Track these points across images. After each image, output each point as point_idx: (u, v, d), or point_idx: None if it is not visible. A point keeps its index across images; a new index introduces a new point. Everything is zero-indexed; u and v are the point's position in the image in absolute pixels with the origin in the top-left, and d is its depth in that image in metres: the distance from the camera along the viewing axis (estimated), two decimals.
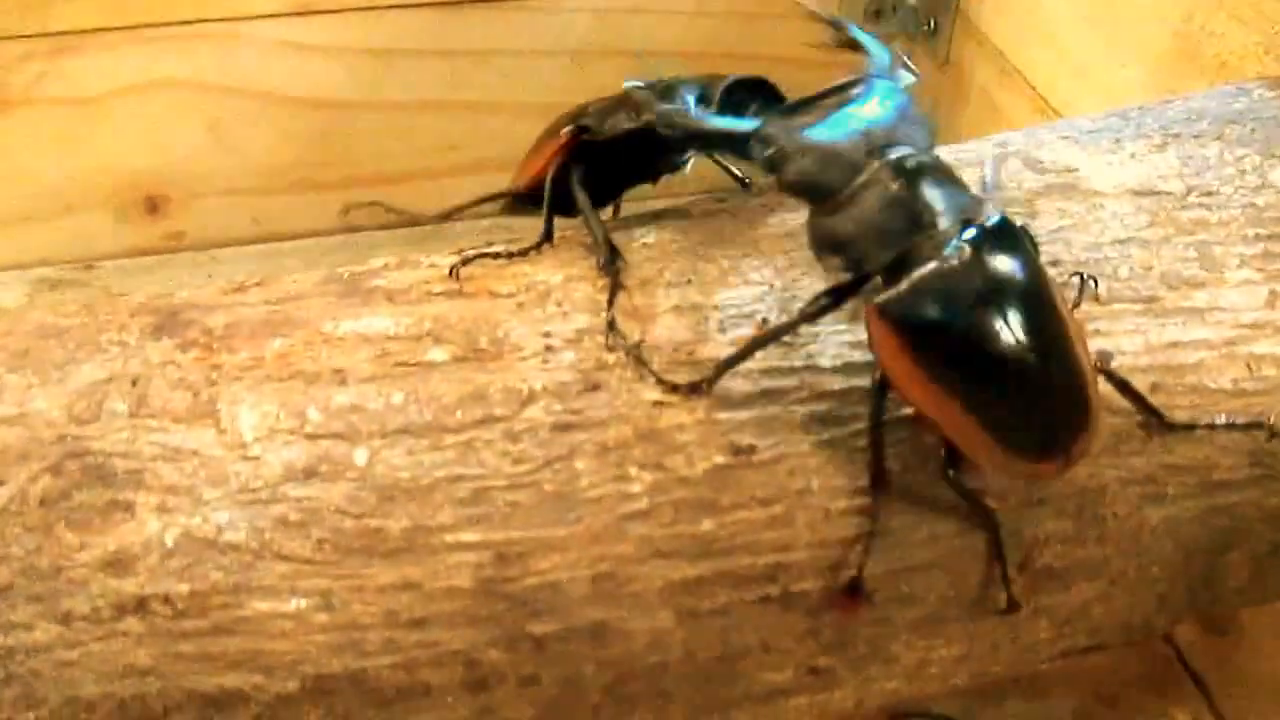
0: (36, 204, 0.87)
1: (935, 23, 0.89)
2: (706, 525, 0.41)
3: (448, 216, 0.60)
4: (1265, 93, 0.55)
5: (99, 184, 0.88)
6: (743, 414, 0.41)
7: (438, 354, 0.43)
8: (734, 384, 0.42)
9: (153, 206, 0.88)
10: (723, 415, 0.41)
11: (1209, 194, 0.47)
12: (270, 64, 0.87)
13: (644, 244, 0.46)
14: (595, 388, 0.42)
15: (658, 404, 0.41)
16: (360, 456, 0.41)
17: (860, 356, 0.42)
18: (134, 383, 0.41)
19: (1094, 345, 0.42)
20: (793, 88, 0.44)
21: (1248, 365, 0.42)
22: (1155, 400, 0.41)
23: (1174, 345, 0.42)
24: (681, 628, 0.41)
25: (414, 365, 0.42)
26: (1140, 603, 0.43)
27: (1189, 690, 0.71)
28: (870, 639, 0.42)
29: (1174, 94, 0.56)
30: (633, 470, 0.41)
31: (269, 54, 0.87)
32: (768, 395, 0.42)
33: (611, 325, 0.42)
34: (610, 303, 0.43)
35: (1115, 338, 0.42)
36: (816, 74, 0.41)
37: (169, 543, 0.39)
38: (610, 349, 0.42)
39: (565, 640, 0.40)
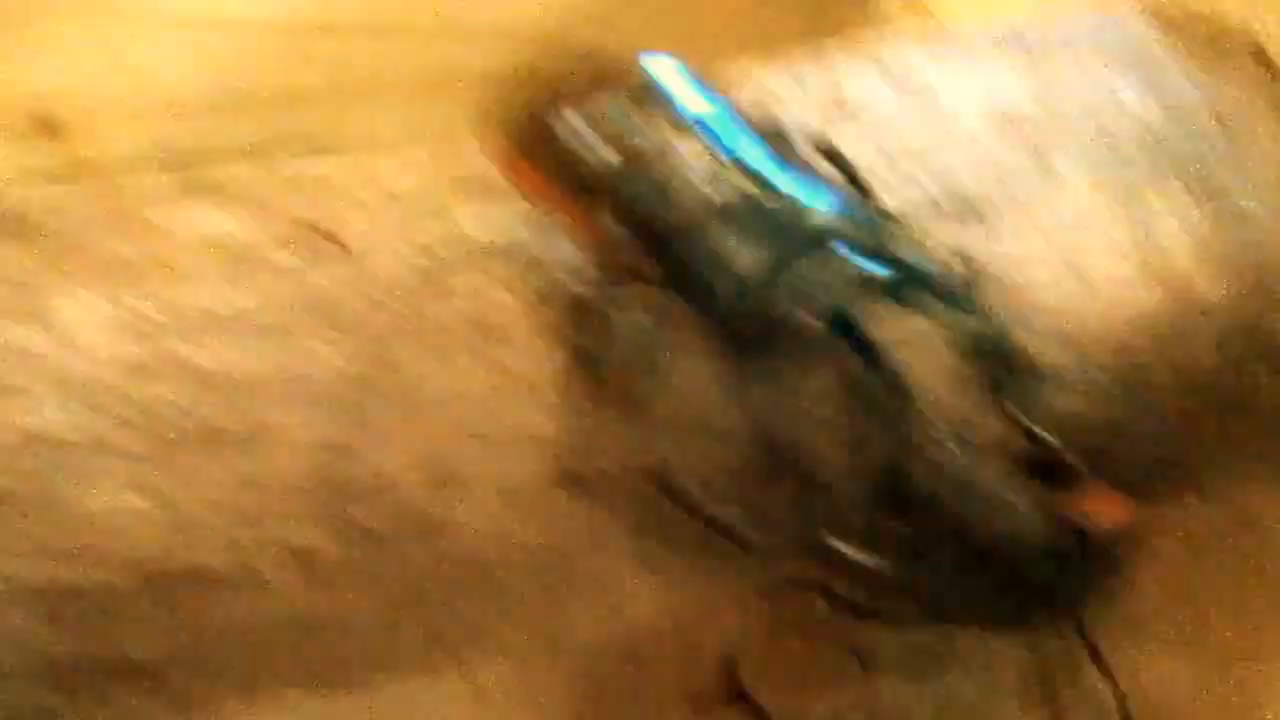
0: None
1: None
2: (549, 429, 0.42)
3: None
4: (1136, 21, 0.56)
5: None
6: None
7: (277, 253, 0.43)
8: None
9: (51, 130, 0.86)
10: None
11: (1062, 113, 0.48)
12: None
13: None
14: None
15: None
16: (196, 353, 0.41)
17: None
18: None
19: None
20: None
21: (1073, 271, 0.43)
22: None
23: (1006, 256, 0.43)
24: (512, 519, 0.42)
25: (251, 262, 0.43)
26: None
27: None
28: None
29: (1052, 14, 0.57)
30: (467, 362, 0.42)
31: None
32: None
33: None
34: None
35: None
36: None
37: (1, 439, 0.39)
38: None
39: (399, 533, 0.41)
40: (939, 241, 0.42)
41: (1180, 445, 0.45)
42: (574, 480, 0.42)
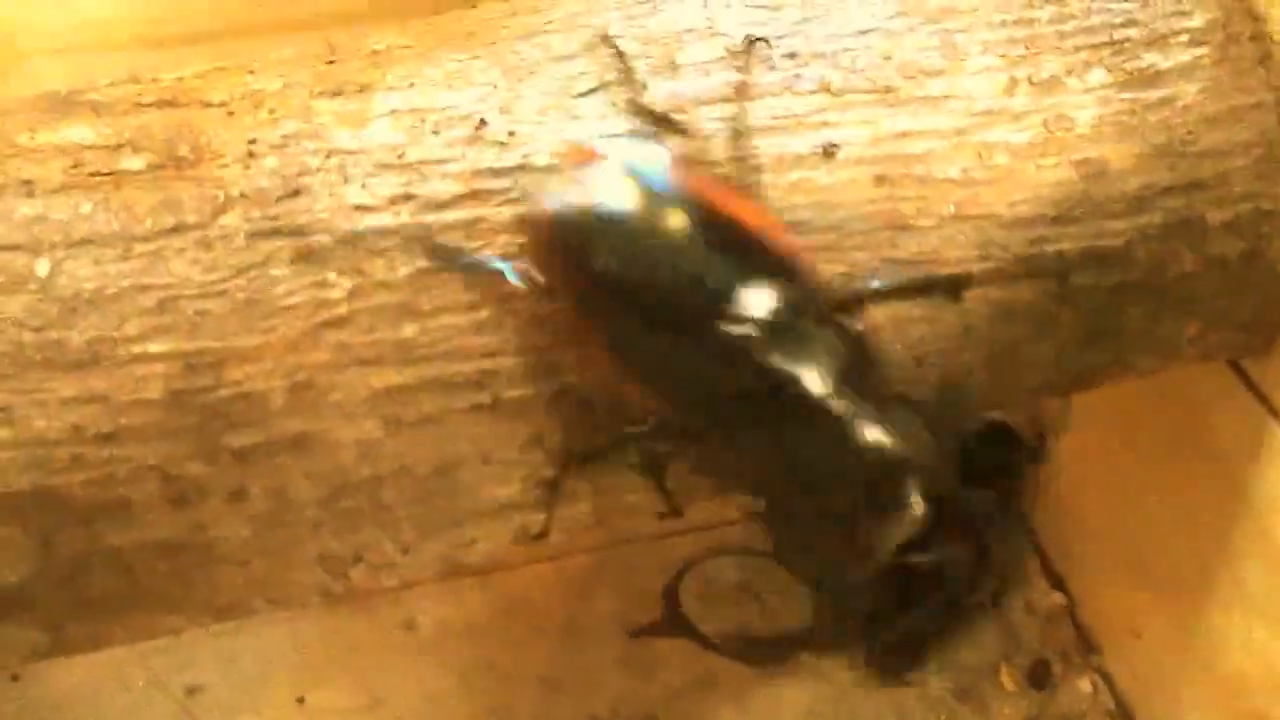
0: None
1: None
2: (409, 331, 0.39)
3: None
4: None
5: None
6: (449, 216, 0.40)
7: (133, 163, 0.40)
8: (442, 185, 0.40)
9: None
10: (429, 218, 0.40)
11: None
12: None
13: (372, 50, 0.44)
14: (296, 193, 0.40)
15: (360, 208, 0.40)
16: (41, 268, 0.38)
17: None
18: None
19: (821, 136, 0.40)
20: None
21: (978, 154, 0.41)
22: (882, 192, 0.40)
23: (904, 135, 0.41)
24: (391, 438, 0.40)
25: (107, 175, 0.40)
26: None
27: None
28: None
29: None
30: (331, 276, 0.39)
31: None
32: (477, 196, 0.40)
33: None
34: None
35: (844, 129, 0.41)
36: None
37: None
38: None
39: (268, 453, 0.39)
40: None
41: (1105, 328, 0.43)
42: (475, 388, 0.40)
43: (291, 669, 0.62)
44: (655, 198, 0.38)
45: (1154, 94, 0.42)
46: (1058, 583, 0.67)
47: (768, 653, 0.64)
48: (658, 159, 0.39)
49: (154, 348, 0.38)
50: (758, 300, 0.37)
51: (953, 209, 0.41)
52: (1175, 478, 0.55)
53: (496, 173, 0.40)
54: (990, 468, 0.46)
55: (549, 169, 0.40)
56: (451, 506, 0.42)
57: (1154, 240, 0.42)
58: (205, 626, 0.43)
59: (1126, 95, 0.42)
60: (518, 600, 0.66)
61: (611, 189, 0.39)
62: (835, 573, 0.39)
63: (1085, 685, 0.63)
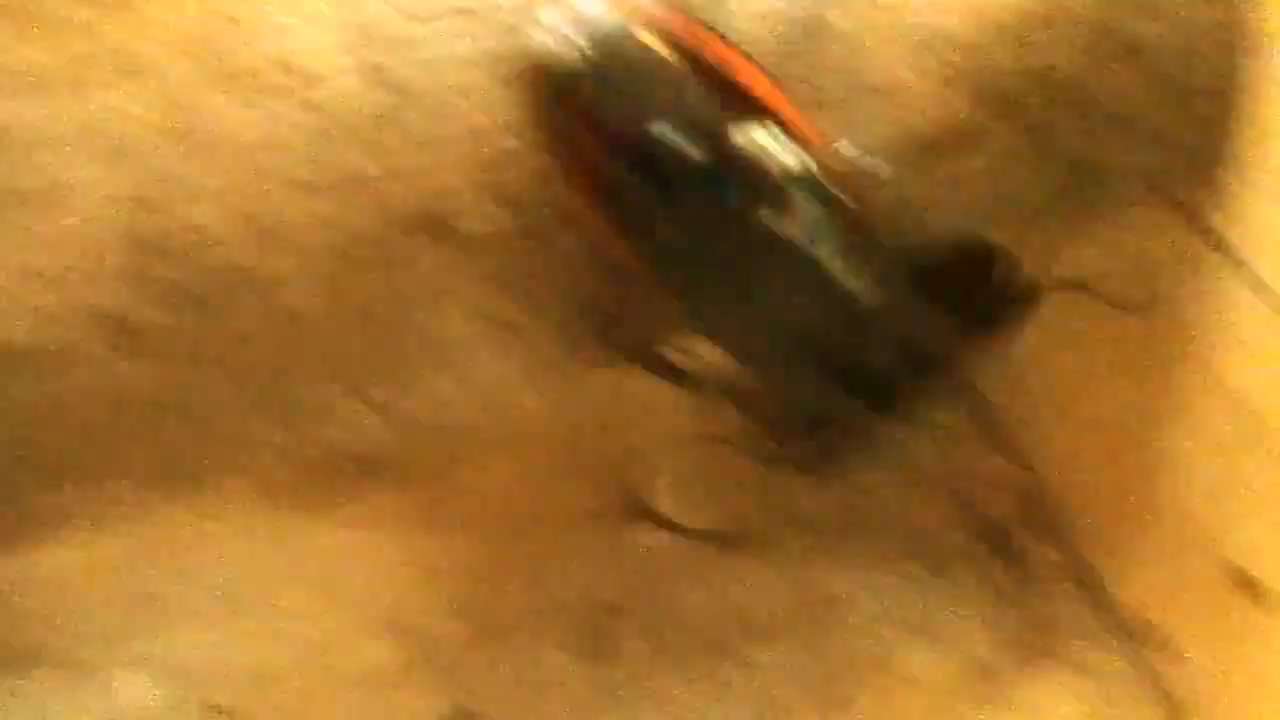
0: None
1: None
2: (361, 164, 0.39)
3: None
4: None
5: None
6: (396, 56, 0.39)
7: (72, 7, 0.40)
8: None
9: None
10: (382, 58, 0.39)
11: None
12: None
13: None
14: None
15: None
16: None
17: None
18: None
19: None
20: None
21: None
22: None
23: None
24: (344, 272, 0.40)
25: (45, 16, 0.39)
26: None
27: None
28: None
29: None
30: (280, 106, 0.39)
31: None
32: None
33: None
34: None
35: None
36: None
37: None
38: None
39: (220, 293, 0.39)
40: None
41: (1084, 158, 0.44)
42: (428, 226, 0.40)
43: (262, 578, 0.61)
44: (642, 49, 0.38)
45: None
46: (1020, 458, 0.68)
47: (732, 534, 0.64)
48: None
49: (101, 189, 0.38)
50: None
51: None
52: (1123, 328, 0.56)
53: None
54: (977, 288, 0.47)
55: None
56: (404, 343, 0.42)
57: (1104, 59, 0.43)
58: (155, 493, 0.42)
59: None
60: (486, 496, 0.65)
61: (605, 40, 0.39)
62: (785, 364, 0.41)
63: (1048, 551, 0.64)
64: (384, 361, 0.42)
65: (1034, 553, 0.64)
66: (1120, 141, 0.44)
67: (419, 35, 0.39)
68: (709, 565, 0.63)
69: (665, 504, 0.65)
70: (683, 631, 0.60)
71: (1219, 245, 0.48)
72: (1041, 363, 0.64)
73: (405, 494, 0.65)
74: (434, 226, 0.40)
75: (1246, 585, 0.51)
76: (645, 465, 0.66)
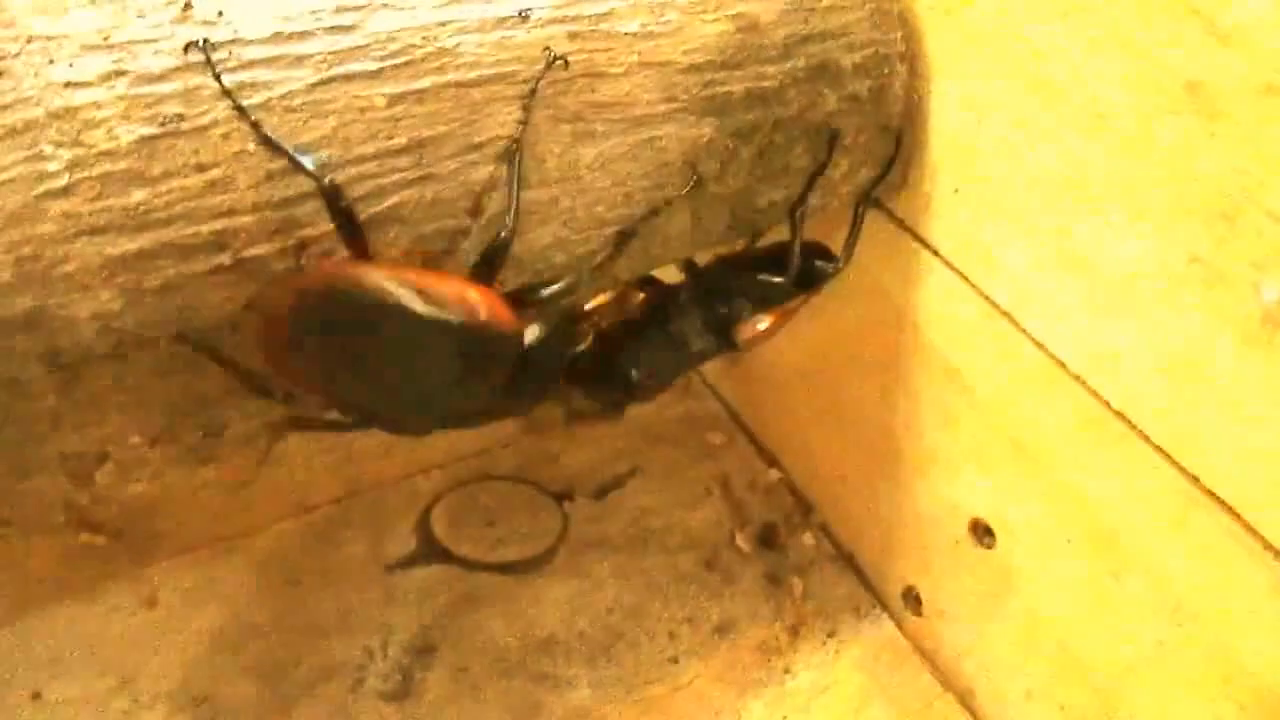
0: None
1: None
2: (139, 196, 0.39)
3: None
4: None
5: None
6: (166, 87, 0.40)
7: None
8: (155, 60, 0.40)
9: None
10: (145, 90, 0.40)
11: None
12: None
13: None
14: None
15: (70, 85, 0.39)
16: None
17: (290, 27, 0.42)
18: None
19: (517, 3, 0.45)
20: None
21: (652, 11, 0.47)
22: (576, 45, 0.45)
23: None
24: (131, 309, 0.40)
25: None
26: (589, 240, 0.47)
27: (721, 417, 0.79)
28: None
29: None
30: (48, 149, 0.39)
31: None
32: (193, 68, 0.41)
33: None
34: None
35: None
36: None
37: None
38: None
39: None
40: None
41: (775, 165, 0.50)
42: None
43: (26, 667, 0.57)
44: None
45: None
46: (772, 461, 0.75)
47: (524, 562, 0.66)
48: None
49: None
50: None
51: (637, 58, 0.46)
52: (851, 326, 0.63)
53: (211, 46, 0.41)
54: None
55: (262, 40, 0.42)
56: (201, 384, 0.42)
57: (802, 82, 0.50)
58: None
59: None
60: (267, 558, 0.64)
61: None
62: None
63: (808, 538, 0.70)
64: (172, 397, 0.41)
65: (794, 540, 0.70)
66: (836, 160, 0.52)
67: (171, 69, 0.41)
68: (508, 594, 0.64)
69: (452, 542, 0.66)
70: (489, 660, 0.61)
71: (925, 242, 0.57)
72: (775, 363, 0.71)
73: (184, 576, 0.63)
74: (215, 253, 0.40)
75: (984, 533, 0.59)
76: (433, 509, 0.68)
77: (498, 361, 0.43)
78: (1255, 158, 0.41)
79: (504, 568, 0.65)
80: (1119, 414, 0.49)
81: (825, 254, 0.58)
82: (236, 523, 0.65)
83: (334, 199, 0.41)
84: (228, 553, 0.64)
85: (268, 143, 0.40)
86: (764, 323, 0.56)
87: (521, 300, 0.45)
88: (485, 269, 0.44)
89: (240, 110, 0.40)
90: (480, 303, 0.42)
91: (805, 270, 0.55)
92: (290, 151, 0.40)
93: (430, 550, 0.66)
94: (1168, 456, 0.47)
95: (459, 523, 0.68)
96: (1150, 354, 0.47)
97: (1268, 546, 0.44)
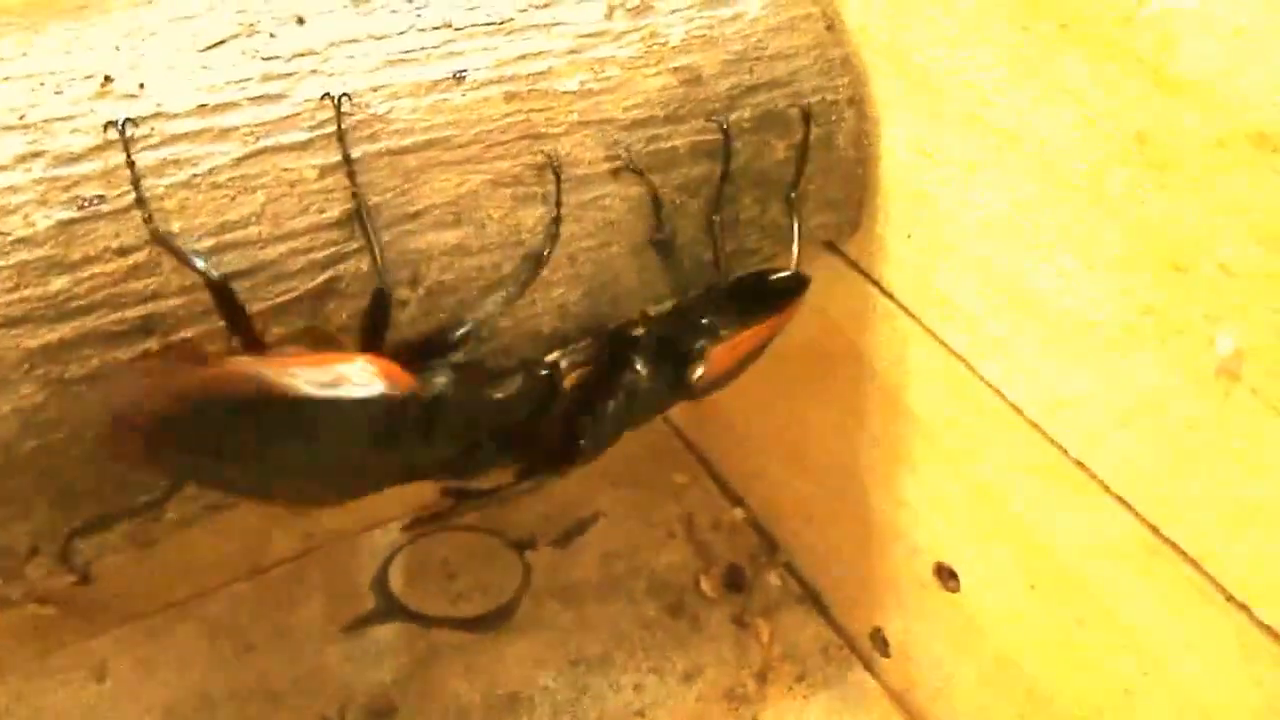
0: None
1: None
2: (59, 284, 0.38)
3: None
4: None
5: None
6: (86, 167, 0.39)
7: None
8: (73, 139, 0.39)
9: None
10: (63, 171, 0.39)
11: None
12: None
13: None
14: None
15: None
16: None
17: (215, 98, 0.41)
18: None
19: (450, 65, 0.44)
20: None
21: (592, 68, 0.46)
22: (513, 106, 0.44)
23: (523, 57, 0.45)
24: (54, 401, 0.38)
25: None
26: (535, 304, 0.46)
27: (684, 456, 0.78)
28: None
29: None
30: None
31: None
32: (113, 146, 0.39)
33: None
34: None
35: (469, 56, 0.44)
36: None
37: None
38: None
39: None
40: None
41: (725, 217, 0.49)
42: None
43: None
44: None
45: (727, 11, 0.49)
46: (736, 500, 0.74)
47: (486, 616, 0.65)
48: None
49: None
50: None
51: (577, 116, 0.45)
52: (812, 369, 0.62)
53: (131, 122, 0.40)
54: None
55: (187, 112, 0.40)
56: (133, 470, 0.41)
57: (748, 132, 0.49)
58: None
59: (706, 14, 0.49)
60: (219, 624, 0.62)
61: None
62: None
63: (774, 579, 0.69)
64: (103, 486, 0.40)
65: (760, 581, 0.70)
66: (775, 195, 0.51)
67: (91, 148, 0.39)
68: (470, 649, 0.63)
69: (410, 598, 0.65)
70: (449, 717, 0.60)
71: (880, 285, 0.56)
72: (738, 400, 0.71)
73: (134, 645, 0.62)
74: (142, 339, 0.39)
75: (948, 576, 0.58)
76: (390, 564, 0.66)
77: (400, 423, 0.41)
78: (1206, 210, 0.40)
79: (465, 624, 0.64)
80: (1078, 462, 0.48)
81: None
82: (187, 586, 0.64)
83: (222, 294, 0.39)
84: (178, 618, 0.62)
85: (158, 239, 0.39)
86: (726, 344, 0.54)
87: (429, 352, 0.43)
88: (373, 332, 0.42)
89: (140, 202, 0.39)
90: (362, 369, 0.40)
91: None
92: (179, 248, 0.39)
93: (389, 607, 0.64)
94: (1128, 506, 0.47)
95: (418, 577, 0.66)
96: (1106, 402, 0.46)
97: (1229, 597, 0.44)
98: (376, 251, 0.41)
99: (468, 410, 0.43)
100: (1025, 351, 0.49)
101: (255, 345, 0.40)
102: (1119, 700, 0.50)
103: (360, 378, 0.39)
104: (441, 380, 0.42)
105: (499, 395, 0.44)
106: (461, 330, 0.44)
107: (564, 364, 0.46)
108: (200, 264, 0.39)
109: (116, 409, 0.38)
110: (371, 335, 0.42)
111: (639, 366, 0.52)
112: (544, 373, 0.45)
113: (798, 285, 0.52)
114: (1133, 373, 0.45)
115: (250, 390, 0.39)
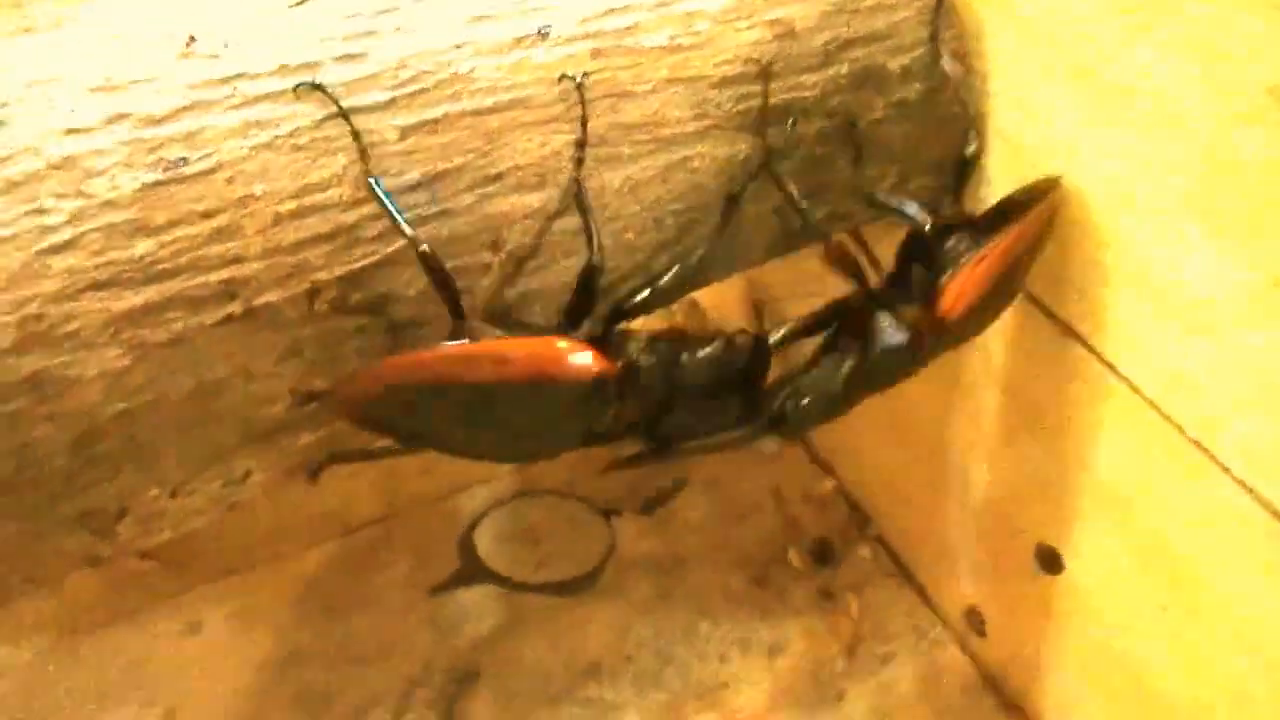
0: None
1: None
2: (143, 248, 0.38)
3: None
4: None
5: None
6: (170, 129, 0.39)
7: None
8: (158, 100, 0.39)
9: None
10: (147, 133, 0.38)
11: None
12: None
13: None
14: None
15: (71, 131, 0.38)
16: None
17: (297, 59, 0.40)
18: None
19: (535, 21, 0.42)
20: None
21: (682, 22, 0.44)
22: (599, 64, 0.42)
23: (610, 11, 0.43)
24: (139, 364, 0.38)
25: None
26: (619, 269, 0.44)
27: None
28: (360, 349, 0.41)
29: None
30: (49, 202, 0.37)
31: None
32: (196, 108, 0.39)
33: None
34: None
35: (552, 12, 0.43)
36: None
37: None
38: None
39: (2, 400, 0.37)
40: None
41: (818, 181, 0.47)
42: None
43: (75, 698, 0.57)
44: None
45: None
46: (827, 470, 0.72)
47: (570, 582, 0.65)
48: None
49: None
50: None
51: (666, 73, 0.43)
52: None
53: (215, 83, 0.39)
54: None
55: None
56: (220, 435, 0.41)
57: (845, 90, 0.46)
58: None
59: None
60: (308, 584, 0.63)
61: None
62: None
63: (865, 552, 0.68)
64: (189, 449, 0.40)
65: (850, 555, 0.68)
66: (872, 156, 0.48)
67: (176, 109, 0.39)
68: (554, 616, 0.63)
69: (496, 562, 0.65)
70: (534, 686, 0.60)
71: None
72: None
73: (226, 600, 0.63)
74: (225, 303, 0.39)
75: (1051, 559, 0.55)
76: (476, 527, 0.66)
77: (595, 402, 0.41)
78: None
79: (549, 588, 0.64)
80: (1195, 442, 0.45)
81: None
82: (276, 545, 0.65)
83: (432, 264, 0.40)
84: (269, 576, 0.63)
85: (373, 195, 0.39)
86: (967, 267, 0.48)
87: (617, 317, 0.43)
88: (584, 299, 0.42)
89: (363, 155, 0.40)
90: (562, 354, 0.41)
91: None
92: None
93: (473, 570, 0.64)
94: (1248, 489, 0.43)
95: (503, 541, 0.66)
96: (1229, 380, 0.43)
97: None
98: (594, 229, 0.42)
99: (662, 385, 0.43)
100: (1141, 325, 0.46)
101: (457, 311, 0.41)
102: (1234, 697, 0.47)
103: (568, 365, 0.40)
104: (643, 359, 0.42)
105: (697, 365, 0.43)
106: (640, 297, 0.43)
107: (775, 336, 0.45)
108: (409, 231, 0.39)
109: (341, 382, 0.41)
110: (577, 309, 0.42)
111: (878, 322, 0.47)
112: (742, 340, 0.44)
113: (1044, 188, 0.46)
114: (1259, 349, 0.41)
115: (459, 379, 0.40)
